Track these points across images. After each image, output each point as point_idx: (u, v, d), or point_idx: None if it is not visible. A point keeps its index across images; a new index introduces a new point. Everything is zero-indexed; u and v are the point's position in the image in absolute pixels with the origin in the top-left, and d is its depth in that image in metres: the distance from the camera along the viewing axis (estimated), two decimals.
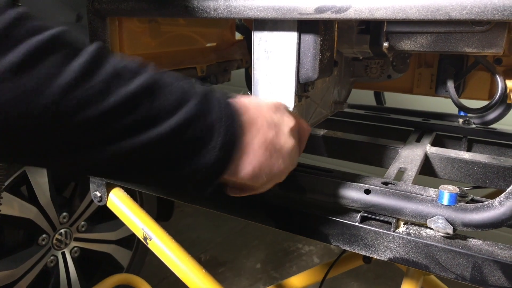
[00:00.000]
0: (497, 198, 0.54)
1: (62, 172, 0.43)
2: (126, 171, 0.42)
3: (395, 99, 1.50)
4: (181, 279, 1.03)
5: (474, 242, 0.56)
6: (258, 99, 0.54)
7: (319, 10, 0.57)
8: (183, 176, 0.44)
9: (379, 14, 0.54)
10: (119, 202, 0.89)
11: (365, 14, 0.55)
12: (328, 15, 0.57)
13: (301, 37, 0.67)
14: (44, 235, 1.45)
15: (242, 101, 0.50)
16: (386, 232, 0.59)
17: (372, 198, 0.61)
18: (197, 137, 0.43)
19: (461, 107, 0.97)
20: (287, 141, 0.52)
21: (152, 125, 0.39)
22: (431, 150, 0.89)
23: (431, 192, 0.61)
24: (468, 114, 1.06)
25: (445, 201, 0.56)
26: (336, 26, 0.73)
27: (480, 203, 0.56)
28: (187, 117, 0.41)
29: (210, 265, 2.29)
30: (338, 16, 0.56)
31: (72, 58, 0.36)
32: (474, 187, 0.88)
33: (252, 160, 0.48)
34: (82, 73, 0.35)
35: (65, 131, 0.35)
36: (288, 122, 0.54)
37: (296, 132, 0.56)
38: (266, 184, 0.52)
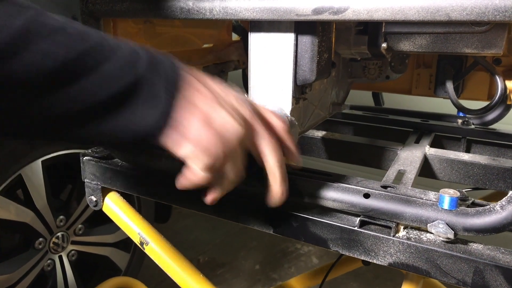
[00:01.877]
0: (499, 202, 0.53)
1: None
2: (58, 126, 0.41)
3: (393, 100, 1.49)
4: (178, 284, 1.02)
5: (475, 246, 0.55)
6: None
7: (317, 11, 0.56)
8: (118, 127, 0.42)
9: (378, 15, 0.53)
10: (115, 206, 0.88)
11: (364, 15, 0.54)
12: (325, 17, 0.56)
13: (298, 38, 0.66)
14: (40, 239, 1.44)
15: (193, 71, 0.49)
16: (386, 236, 0.58)
17: (371, 202, 0.60)
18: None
19: (460, 108, 0.97)
20: (232, 122, 0.48)
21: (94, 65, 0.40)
22: (430, 151, 0.89)
23: (431, 195, 0.60)
24: (467, 115, 1.05)
25: (446, 205, 0.56)
26: (334, 27, 0.72)
27: (481, 207, 0.55)
28: (139, 75, 0.43)
29: (208, 266, 2.27)
30: (336, 17, 0.55)
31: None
32: (474, 189, 0.87)
33: (195, 112, 0.46)
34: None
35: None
36: (234, 101, 0.50)
37: (251, 122, 0.51)
38: (215, 147, 0.46)
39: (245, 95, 0.53)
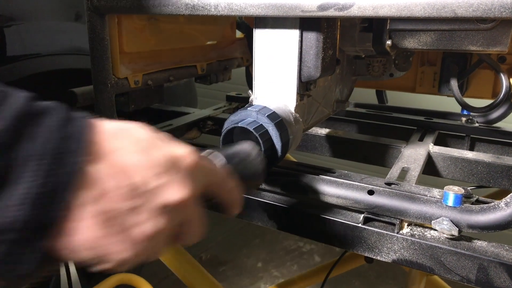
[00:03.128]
0: (503, 200, 0.53)
1: None
2: None
3: (397, 98, 1.49)
4: (181, 280, 1.02)
5: (479, 243, 0.55)
6: (147, 143, 0.37)
7: (322, 7, 0.56)
8: None
9: (383, 12, 0.53)
10: None
11: (369, 12, 0.54)
12: (331, 13, 0.56)
13: (303, 35, 0.66)
14: None
15: (105, 142, 0.34)
16: (390, 233, 0.58)
17: (375, 199, 0.60)
18: None
19: (465, 106, 0.96)
20: (150, 221, 0.35)
21: None
22: (434, 149, 0.88)
23: (436, 193, 0.60)
24: (471, 113, 1.05)
25: (450, 202, 0.56)
26: (339, 23, 0.72)
27: (486, 205, 0.55)
28: None
29: (211, 264, 2.28)
30: (341, 13, 0.55)
31: None
32: (478, 187, 0.87)
33: (77, 233, 0.32)
34: None
35: None
36: (173, 193, 0.37)
37: (184, 207, 0.38)
38: (103, 266, 0.35)
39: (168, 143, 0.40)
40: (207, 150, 0.51)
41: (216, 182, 0.44)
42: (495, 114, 1.04)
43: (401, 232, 0.58)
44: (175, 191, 0.37)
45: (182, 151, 0.40)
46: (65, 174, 0.30)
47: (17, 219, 0.29)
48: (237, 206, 0.49)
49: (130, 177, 0.34)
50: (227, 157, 0.51)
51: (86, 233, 0.32)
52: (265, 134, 0.60)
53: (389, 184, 0.63)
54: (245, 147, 0.54)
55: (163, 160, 0.37)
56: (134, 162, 0.35)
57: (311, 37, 0.66)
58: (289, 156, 1.29)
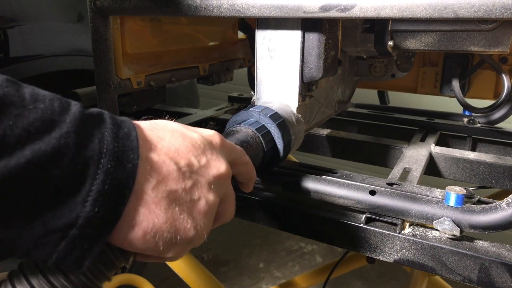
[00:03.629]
0: (505, 200, 0.53)
1: None
2: None
3: (399, 99, 1.49)
4: (183, 279, 1.02)
5: (481, 243, 0.55)
6: (181, 130, 0.41)
7: (324, 8, 0.56)
8: (36, 236, 0.30)
9: (385, 13, 0.53)
10: None
11: (371, 13, 0.54)
12: (333, 14, 0.56)
13: (305, 35, 0.66)
14: None
15: (150, 134, 0.38)
16: (392, 233, 0.58)
17: (377, 199, 0.60)
18: (57, 182, 0.30)
19: (467, 107, 0.97)
20: (205, 196, 0.40)
21: None
22: (436, 149, 0.89)
23: (437, 193, 0.61)
24: (473, 114, 1.05)
25: (452, 202, 0.56)
26: (341, 24, 0.72)
27: (487, 205, 0.55)
28: (43, 153, 0.29)
29: (212, 264, 2.28)
30: (343, 14, 0.56)
31: None
32: (480, 187, 0.87)
33: (143, 221, 0.35)
34: None
35: None
36: (214, 169, 0.41)
37: (225, 181, 0.43)
38: (166, 252, 0.38)
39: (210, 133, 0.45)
40: None
41: (236, 159, 0.48)
42: (497, 115, 1.04)
43: (403, 232, 0.58)
44: (217, 166, 0.42)
45: (209, 132, 0.45)
46: (129, 169, 0.33)
47: (93, 215, 0.31)
48: (253, 182, 0.54)
49: (180, 159, 0.38)
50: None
51: (155, 217, 0.35)
52: (267, 134, 0.61)
53: (391, 184, 0.64)
54: (245, 132, 0.58)
55: (200, 141, 0.41)
56: (179, 147, 0.39)
57: (313, 38, 0.66)
58: (291, 157, 1.30)
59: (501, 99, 0.90)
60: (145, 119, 0.41)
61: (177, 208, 0.37)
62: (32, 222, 0.30)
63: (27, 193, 0.29)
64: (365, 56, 0.94)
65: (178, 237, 0.37)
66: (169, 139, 0.39)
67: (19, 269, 0.35)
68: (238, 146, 0.51)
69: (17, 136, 0.28)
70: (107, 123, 0.34)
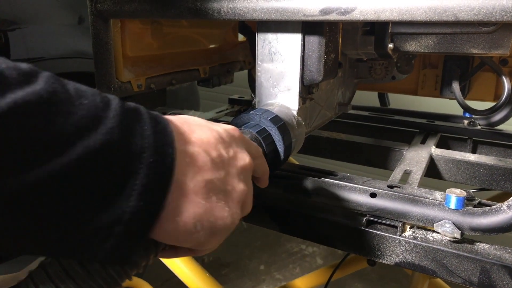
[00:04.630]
0: (506, 202, 0.53)
1: None
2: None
3: (399, 101, 1.49)
4: (184, 282, 1.02)
5: (482, 246, 0.55)
6: (206, 124, 0.43)
7: (324, 11, 0.56)
8: (84, 234, 0.30)
9: (385, 16, 0.54)
10: None
11: (371, 16, 0.54)
12: (333, 17, 0.56)
13: (306, 38, 0.67)
14: None
15: (182, 127, 0.39)
16: (392, 236, 0.58)
17: (378, 202, 0.60)
18: (104, 178, 0.30)
19: (467, 109, 0.97)
20: (236, 186, 0.41)
21: (42, 158, 0.27)
22: (436, 152, 0.89)
23: (438, 195, 0.61)
24: (473, 116, 1.05)
25: (452, 205, 0.56)
26: (341, 27, 0.72)
27: (488, 207, 0.55)
28: (93, 149, 0.29)
29: (213, 266, 2.28)
30: (343, 17, 0.56)
31: None
32: (480, 189, 0.87)
33: (185, 211, 0.35)
34: None
35: None
36: (241, 160, 0.43)
37: (249, 173, 0.45)
38: (206, 242, 0.38)
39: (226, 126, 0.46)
40: None
41: (252, 152, 0.49)
42: (497, 117, 1.04)
43: (403, 234, 0.58)
44: (243, 158, 0.44)
45: (230, 127, 0.46)
46: (169, 162, 0.34)
47: (138, 209, 0.31)
48: (268, 176, 0.55)
49: (212, 151, 0.39)
50: None
51: (195, 206, 0.36)
52: (268, 137, 0.61)
53: (391, 186, 0.64)
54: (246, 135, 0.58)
55: (225, 135, 0.43)
56: (209, 139, 0.40)
57: (314, 41, 0.66)
58: (292, 159, 1.30)
59: (502, 101, 0.90)
60: (172, 114, 0.43)
61: (214, 197, 0.38)
62: (81, 221, 0.30)
63: (77, 191, 0.29)
64: (365, 59, 0.94)
65: (218, 226, 0.38)
66: (199, 132, 0.40)
67: (40, 268, 0.35)
68: (252, 141, 0.53)
69: (69, 134, 0.28)
70: (145, 117, 0.34)
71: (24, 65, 0.29)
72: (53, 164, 0.27)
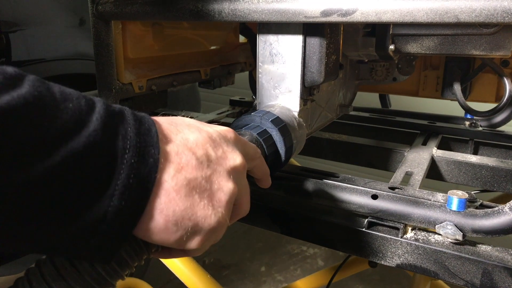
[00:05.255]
0: (508, 204, 0.53)
1: None
2: None
3: (400, 102, 1.49)
4: (185, 283, 1.02)
5: (484, 248, 0.55)
6: (196, 125, 0.43)
7: (325, 13, 0.56)
8: (69, 233, 0.31)
9: (386, 17, 0.53)
10: None
11: (372, 17, 0.54)
12: (334, 19, 0.56)
13: (307, 40, 0.67)
14: None
15: (169, 128, 0.39)
16: (394, 238, 0.58)
17: (379, 203, 0.60)
18: (88, 179, 0.31)
19: (468, 110, 0.97)
20: (224, 185, 0.40)
21: (27, 161, 0.28)
22: (438, 153, 0.88)
23: (439, 197, 0.60)
24: (475, 117, 1.05)
25: (454, 206, 0.56)
26: (342, 29, 0.72)
27: (490, 209, 0.55)
28: (76, 151, 0.30)
29: (214, 268, 2.28)
30: (344, 19, 0.56)
31: None
32: (482, 191, 0.87)
33: (165, 210, 0.35)
34: None
35: None
36: (231, 160, 0.43)
37: (241, 173, 0.44)
38: (189, 241, 0.38)
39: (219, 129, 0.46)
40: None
41: (249, 153, 0.49)
42: (499, 118, 1.04)
43: (405, 236, 0.58)
44: (234, 158, 0.43)
45: (223, 128, 0.46)
46: (151, 163, 0.34)
47: (120, 209, 0.32)
48: (269, 176, 0.55)
49: (198, 150, 0.39)
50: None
51: (175, 205, 0.36)
52: (269, 139, 0.61)
53: (392, 188, 0.64)
54: (247, 137, 0.59)
55: (215, 135, 0.43)
56: (196, 139, 0.40)
57: (315, 43, 0.66)
58: (293, 161, 1.30)
59: (503, 102, 0.89)
60: (163, 115, 0.43)
61: (197, 196, 0.38)
62: (66, 220, 0.31)
63: (61, 192, 0.30)
64: (366, 60, 0.94)
65: (200, 225, 0.38)
66: (186, 133, 0.40)
67: (36, 267, 0.36)
68: (250, 143, 0.52)
69: (53, 137, 0.29)
70: (129, 119, 0.35)
71: (10, 69, 0.30)
72: (38, 167, 0.28)
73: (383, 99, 1.30)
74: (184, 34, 1.05)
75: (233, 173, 0.42)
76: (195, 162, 0.38)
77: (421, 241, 0.57)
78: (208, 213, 0.38)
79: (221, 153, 0.42)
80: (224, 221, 0.40)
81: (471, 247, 0.55)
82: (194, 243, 0.39)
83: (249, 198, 0.47)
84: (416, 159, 0.84)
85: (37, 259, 0.37)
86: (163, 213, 0.35)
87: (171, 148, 0.37)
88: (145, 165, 0.34)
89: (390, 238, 0.58)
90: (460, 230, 0.54)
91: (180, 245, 0.38)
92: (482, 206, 0.59)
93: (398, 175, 0.75)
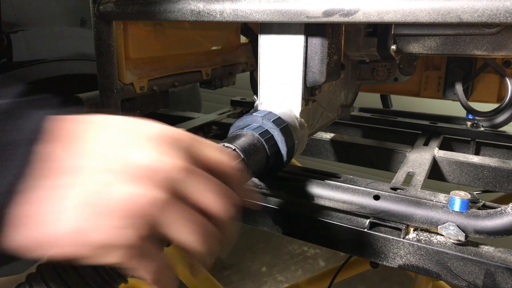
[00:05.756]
0: (510, 205, 0.53)
1: None
2: None
3: (402, 102, 1.48)
4: (185, 283, 1.02)
5: (486, 249, 0.55)
6: (116, 124, 0.40)
7: (327, 13, 0.56)
8: None
9: (388, 17, 0.53)
10: None
11: (374, 18, 0.54)
12: (336, 19, 0.56)
13: (308, 40, 0.66)
14: None
15: (70, 128, 0.36)
16: (396, 238, 0.58)
17: (381, 204, 0.59)
18: None
19: (470, 110, 0.96)
20: (117, 190, 0.33)
21: None
22: (439, 153, 0.88)
23: (442, 197, 0.60)
24: (477, 117, 1.05)
25: (457, 207, 0.55)
26: (344, 29, 0.72)
27: (493, 210, 0.55)
28: None
29: (215, 268, 2.28)
30: (346, 19, 0.56)
31: None
32: (484, 191, 0.87)
33: (31, 222, 0.32)
34: None
35: None
36: (139, 156, 0.36)
37: (162, 178, 0.35)
38: (74, 253, 0.33)
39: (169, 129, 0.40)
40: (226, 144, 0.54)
41: (198, 150, 0.40)
42: (501, 118, 1.04)
43: (407, 237, 0.58)
44: (139, 154, 0.36)
45: (169, 129, 0.39)
46: (16, 166, 0.32)
47: None
48: (239, 181, 0.44)
49: (83, 153, 0.35)
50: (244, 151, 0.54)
51: (45, 215, 0.32)
52: (271, 139, 0.61)
53: (394, 189, 0.63)
54: (249, 137, 0.58)
55: (142, 135, 0.38)
56: (98, 139, 0.36)
57: (316, 43, 0.66)
58: (295, 161, 1.29)
59: (505, 102, 0.89)
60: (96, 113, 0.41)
61: (78, 205, 0.33)
62: None
63: None
64: (368, 60, 0.94)
65: (80, 237, 0.32)
66: (91, 132, 0.37)
67: (37, 272, 0.36)
68: (208, 140, 0.43)
69: None
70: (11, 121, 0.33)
71: None
72: None
73: (385, 99, 1.29)
74: (186, 34, 1.05)
75: (146, 178, 0.35)
76: (86, 166, 0.34)
77: (423, 241, 0.57)
78: (90, 224, 0.33)
79: (139, 156, 0.36)
80: (123, 236, 0.33)
81: (474, 248, 0.55)
82: (87, 256, 0.33)
83: (190, 219, 0.37)
84: (418, 160, 0.84)
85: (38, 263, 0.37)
86: (32, 224, 0.32)
87: (53, 147, 0.34)
88: (9, 169, 0.32)
89: (392, 238, 0.58)
90: (463, 230, 0.54)
91: (63, 256, 0.33)
92: (484, 207, 0.59)
93: (399, 176, 0.75)
